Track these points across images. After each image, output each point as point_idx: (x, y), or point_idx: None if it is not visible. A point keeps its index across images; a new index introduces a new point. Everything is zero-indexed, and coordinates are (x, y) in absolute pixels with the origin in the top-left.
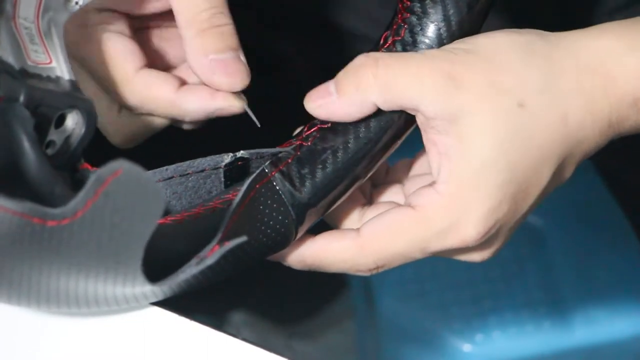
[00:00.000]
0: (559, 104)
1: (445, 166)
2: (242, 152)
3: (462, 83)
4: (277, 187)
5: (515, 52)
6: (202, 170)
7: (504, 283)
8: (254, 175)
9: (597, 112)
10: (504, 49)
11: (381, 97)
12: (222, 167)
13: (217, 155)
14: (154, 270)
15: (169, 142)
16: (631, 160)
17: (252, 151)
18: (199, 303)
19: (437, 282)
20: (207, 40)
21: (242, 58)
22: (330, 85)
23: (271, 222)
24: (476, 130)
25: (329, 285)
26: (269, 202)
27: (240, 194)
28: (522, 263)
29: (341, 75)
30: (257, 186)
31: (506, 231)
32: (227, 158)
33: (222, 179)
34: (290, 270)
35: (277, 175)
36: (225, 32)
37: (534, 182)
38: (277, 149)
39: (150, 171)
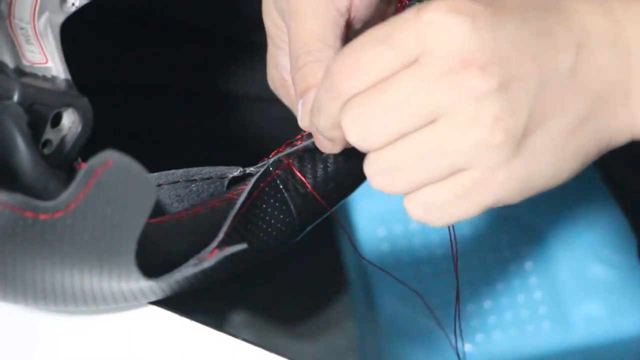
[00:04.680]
0: None
1: None
2: (251, 168)
3: None
4: (280, 186)
5: None
6: (209, 178)
7: (504, 283)
8: (259, 174)
9: None
10: None
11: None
12: (229, 177)
13: (227, 167)
14: (153, 268)
15: (167, 145)
16: (631, 160)
17: (259, 166)
18: (199, 303)
19: (437, 282)
20: (295, 86)
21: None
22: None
23: (272, 221)
24: None
25: (329, 285)
26: (271, 201)
27: (244, 194)
28: (522, 263)
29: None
30: (261, 185)
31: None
32: (236, 172)
33: (225, 185)
34: (290, 270)
35: (280, 173)
36: (305, 72)
37: None
38: (280, 155)
39: (157, 173)
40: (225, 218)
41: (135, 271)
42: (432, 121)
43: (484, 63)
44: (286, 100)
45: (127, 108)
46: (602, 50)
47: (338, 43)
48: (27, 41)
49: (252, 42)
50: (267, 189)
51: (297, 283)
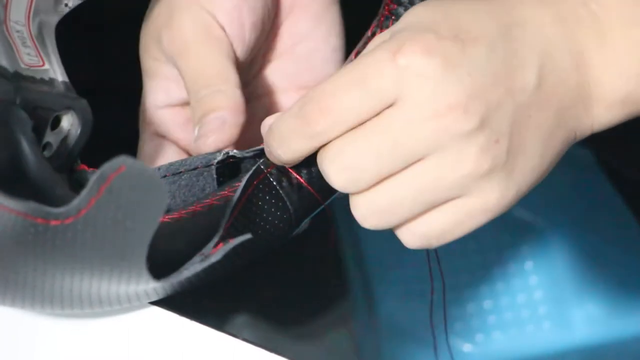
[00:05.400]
0: None
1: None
2: (234, 151)
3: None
4: (274, 183)
5: None
6: (195, 168)
7: (504, 283)
8: (251, 172)
9: None
10: None
11: None
12: (214, 164)
13: (209, 153)
14: (154, 269)
15: None
16: (635, 156)
17: (243, 151)
18: (199, 303)
19: (438, 282)
20: (195, 111)
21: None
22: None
23: (270, 218)
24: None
25: (329, 286)
26: (267, 197)
27: (238, 191)
28: (522, 263)
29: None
30: (255, 182)
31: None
32: (219, 156)
33: (215, 176)
34: (290, 270)
35: (273, 171)
36: (206, 101)
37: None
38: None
39: None
40: (223, 216)
41: (145, 274)
42: (419, 159)
43: (465, 103)
44: (145, 136)
45: (127, 108)
46: (561, 59)
47: (236, 76)
48: (24, 44)
49: None
50: (261, 186)
51: (297, 283)
